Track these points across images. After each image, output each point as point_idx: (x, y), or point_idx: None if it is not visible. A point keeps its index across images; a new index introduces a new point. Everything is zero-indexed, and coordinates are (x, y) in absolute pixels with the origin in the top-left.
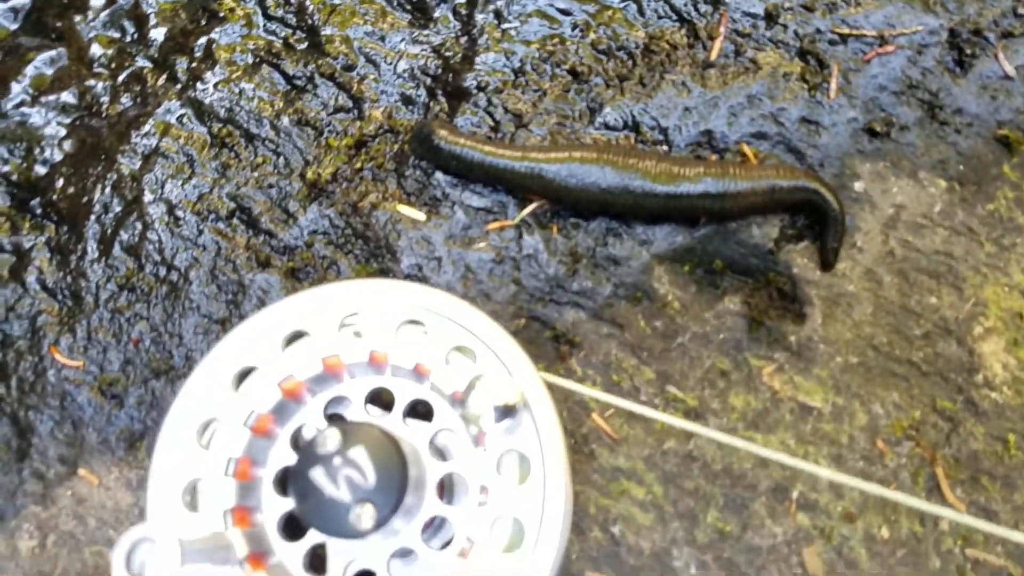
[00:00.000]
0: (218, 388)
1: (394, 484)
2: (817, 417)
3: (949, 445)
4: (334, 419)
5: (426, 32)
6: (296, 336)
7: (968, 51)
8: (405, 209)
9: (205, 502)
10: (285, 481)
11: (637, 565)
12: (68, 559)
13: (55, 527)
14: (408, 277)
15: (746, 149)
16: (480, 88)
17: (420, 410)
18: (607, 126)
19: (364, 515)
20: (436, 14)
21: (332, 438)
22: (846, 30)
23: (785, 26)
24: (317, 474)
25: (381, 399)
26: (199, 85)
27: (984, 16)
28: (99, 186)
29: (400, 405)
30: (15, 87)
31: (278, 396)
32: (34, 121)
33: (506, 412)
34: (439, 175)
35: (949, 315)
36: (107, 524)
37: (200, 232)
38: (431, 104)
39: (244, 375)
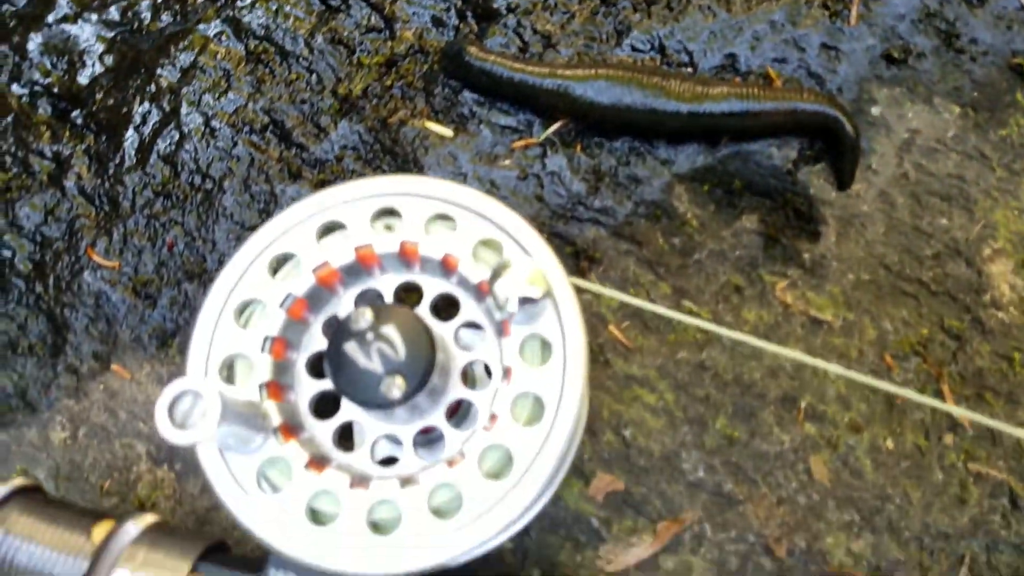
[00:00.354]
0: (256, 272)
1: (422, 360)
2: (827, 331)
3: (955, 362)
4: None
5: None
6: (331, 227)
7: None
8: (433, 126)
9: (242, 376)
10: (318, 365)
11: (647, 466)
12: (98, 450)
13: (87, 419)
14: None
15: (771, 72)
16: (510, 9)
17: (448, 311)
18: (634, 48)
19: (394, 385)
20: None
21: (365, 316)
22: None
23: None
24: (351, 348)
25: (411, 296)
26: (238, 3)
27: None
28: (138, 98)
29: (428, 298)
30: (60, 1)
31: (312, 282)
32: (77, 35)
33: (530, 298)
34: (467, 93)
35: (959, 236)
36: (137, 417)
37: (235, 144)
38: (461, 25)
39: (282, 262)
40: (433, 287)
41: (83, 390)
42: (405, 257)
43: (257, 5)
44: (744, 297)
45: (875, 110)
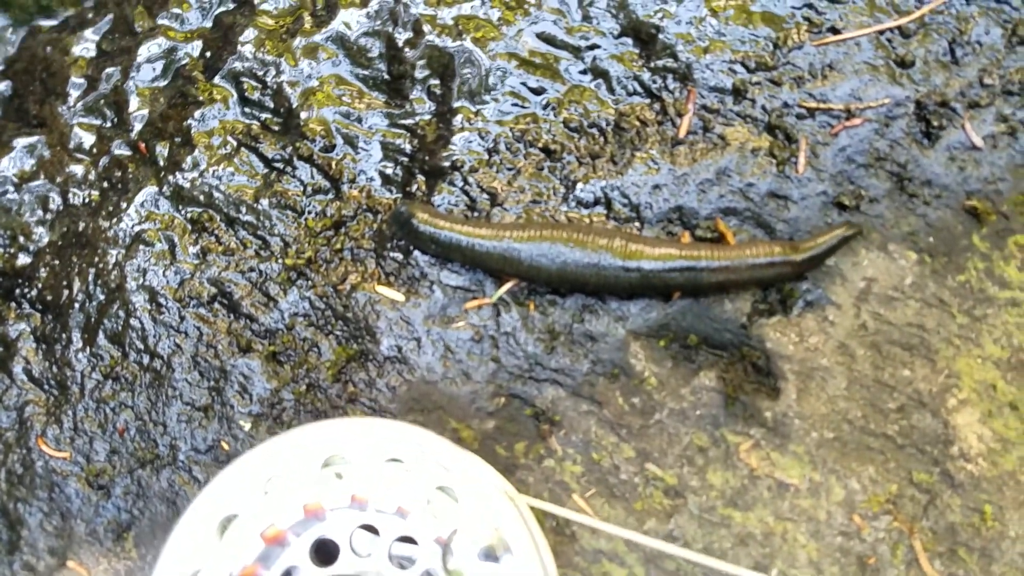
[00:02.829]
0: (203, 538)
1: None
2: (794, 494)
3: (927, 517)
4: (320, 551)
5: (402, 112)
6: (277, 478)
7: (935, 122)
8: (384, 290)
9: None
10: None
11: None
12: None
13: None
14: (388, 359)
15: (720, 224)
16: (455, 167)
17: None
18: (580, 203)
19: None
20: (412, 95)
21: None
22: (813, 104)
23: (753, 101)
24: None
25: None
26: (179, 170)
27: (951, 87)
28: (82, 274)
29: (385, 543)
30: (2, 171)
31: (261, 546)
32: (17, 208)
33: (487, 555)
34: (418, 254)
35: (923, 387)
36: None
37: (182, 318)
38: (409, 183)
39: (228, 521)
40: (390, 530)
41: None
42: (357, 503)
43: (199, 171)
44: (709, 458)
45: (829, 259)
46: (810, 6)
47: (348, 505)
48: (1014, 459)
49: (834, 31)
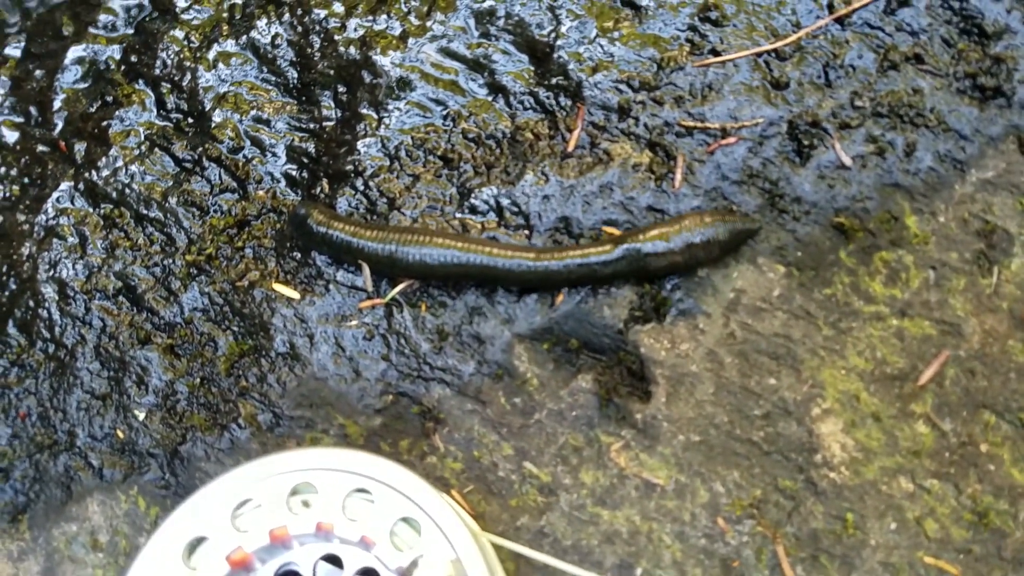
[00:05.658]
0: (171, 559)
1: None
2: (661, 494)
3: (790, 523)
4: None
5: (309, 118)
6: (244, 503)
7: (806, 142)
8: (280, 287)
9: None
10: None
11: None
12: None
13: None
14: (281, 355)
15: (606, 231)
16: (358, 172)
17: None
18: (474, 210)
19: None
20: (322, 100)
21: None
22: (691, 123)
23: (636, 119)
24: None
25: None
26: (95, 168)
27: (823, 108)
28: None
29: (349, 572)
30: None
31: (227, 569)
32: None
33: None
34: (316, 254)
35: (788, 396)
36: None
37: (88, 310)
38: (313, 186)
39: (197, 543)
40: (354, 560)
41: None
42: (323, 532)
43: (113, 169)
44: (582, 458)
45: (700, 271)
46: (693, 29)
47: (313, 533)
48: (875, 469)
49: (715, 53)
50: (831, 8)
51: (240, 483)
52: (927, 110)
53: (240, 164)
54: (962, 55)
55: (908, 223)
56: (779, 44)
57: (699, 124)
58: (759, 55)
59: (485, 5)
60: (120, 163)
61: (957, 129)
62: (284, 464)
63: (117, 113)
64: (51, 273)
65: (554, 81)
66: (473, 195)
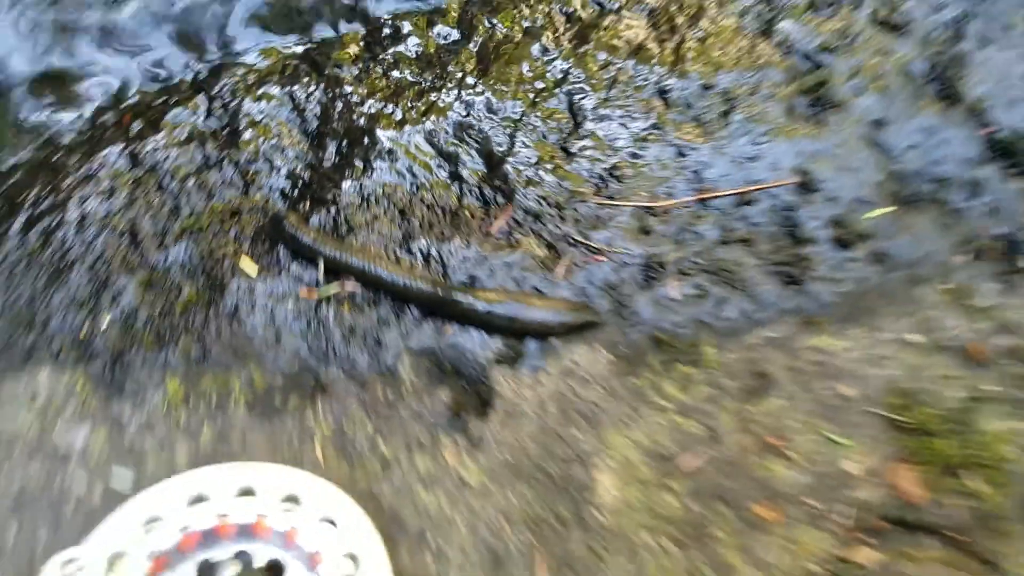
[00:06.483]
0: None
1: None
2: (469, 491)
3: (557, 542)
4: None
5: (315, 156)
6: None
7: (653, 276)
8: (246, 263)
9: None
10: None
11: None
12: None
13: None
14: (226, 312)
15: None
16: (335, 201)
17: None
18: (409, 251)
19: None
20: (328, 146)
21: None
22: (580, 239)
23: (545, 225)
24: None
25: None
26: (142, 142)
27: (671, 256)
28: None
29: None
30: None
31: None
32: None
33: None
34: (282, 249)
35: (585, 448)
36: None
37: (96, 237)
38: (298, 202)
39: (117, 558)
40: (267, 552)
41: None
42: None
43: (158, 148)
44: (422, 448)
45: (554, 340)
46: (602, 178)
47: (253, 522)
48: (631, 521)
49: (610, 198)
50: (700, 191)
51: (149, 501)
52: (744, 279)
53: (250, 172)
54: (779, 248)
55: (706, 351)
56: (655, 204)
57: (585, 241)
58: (639, 207)
59: (466, 119)
60: (163, 144)
61: (761, 298)
62: (188, 479)
63: (174, 111)
64: (79, 205)
65: (496, 183)
66: (412, 241)
